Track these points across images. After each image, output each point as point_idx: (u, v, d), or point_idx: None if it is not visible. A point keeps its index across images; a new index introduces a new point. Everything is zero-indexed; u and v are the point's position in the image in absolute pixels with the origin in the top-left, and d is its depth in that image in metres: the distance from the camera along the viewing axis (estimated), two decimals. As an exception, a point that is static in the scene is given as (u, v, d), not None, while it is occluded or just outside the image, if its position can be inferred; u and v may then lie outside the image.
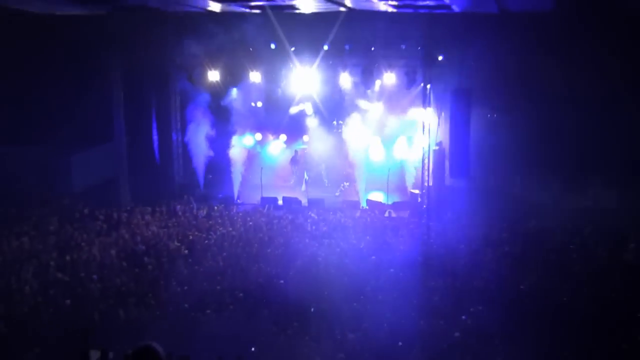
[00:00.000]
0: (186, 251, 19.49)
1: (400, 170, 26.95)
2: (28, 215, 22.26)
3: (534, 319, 14.63)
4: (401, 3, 18.95)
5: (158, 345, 5.51)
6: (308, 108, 27.27)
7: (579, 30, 21.70)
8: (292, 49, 24.95)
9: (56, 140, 26.39)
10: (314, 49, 24.97)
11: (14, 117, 25.81)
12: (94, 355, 12.64)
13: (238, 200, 26.68)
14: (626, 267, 17.64)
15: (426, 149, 24.60)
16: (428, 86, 24.28)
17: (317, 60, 24.99)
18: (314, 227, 21.90)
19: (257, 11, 21.43)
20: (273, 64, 25.35)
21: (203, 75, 26.02)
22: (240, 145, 27.24)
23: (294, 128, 27.87)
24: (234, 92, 26.80)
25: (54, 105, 25.33)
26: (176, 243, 20.11)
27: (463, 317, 14.69)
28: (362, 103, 26.66)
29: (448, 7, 19.44)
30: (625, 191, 22.17)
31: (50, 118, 25.71)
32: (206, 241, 20.44)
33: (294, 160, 27.99)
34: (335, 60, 25.12)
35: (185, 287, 16.79)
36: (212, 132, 27.32)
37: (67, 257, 18.58)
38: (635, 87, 22.11)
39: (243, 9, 20.95)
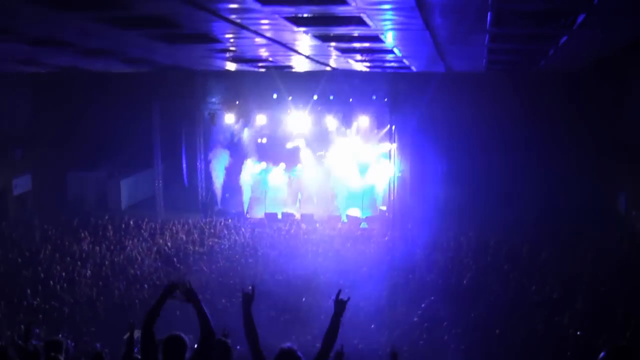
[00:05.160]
0: (206, 254, 19.60)
1: (372, 191, 26.99)
2: (87, 224, 22.39)
3: (472, 305, 14.80)
4: (372, 64, 19.12)
5: (185, 335, 5.67)
6: (301, 143, 27.36)
7: (503, 85, 22.15)
8: (290, 97, 25.15)
9: (110, 167, 26.68)
10: (306, 98, 25.20)
11: (80, 149, 26.18)
12: (137, 334, 12.76)
13: (247, 215, 26.66)
14: (544, 265, 17.83)
15: (392, 175, 24.84)
16: (393, 127, 24.54)
17: (309, 107, 25.22)
18: (305, 236, 21.98)
19: (263, 70, 21.59)
20: (275, 109, 25.46)
21: (221, 116, 26.18)
22: (249, 171, 27.27)
23: (291, 158, 27.91)
24: (245, 130, 26.92)
25: (109, 140, 25.63)
26: (198, 248, 20.21)
27: (422, 305, 14.79)
28: (342, 140, 26.74)
29: (408, 67, 19.65)
30: (543, 206, 22.38)
31: (106, 150, 26.01)
32: (222, 246, 20.53)
33: (290, 185, 28.02)
34: (322, 106, 25.22)
35: (205, 281, 16.94)
36: (228, 161, 27.40)
37: (116, 258, 18.74)
38: (542, 131, 22.70)
39: (253, 68, 21.10)
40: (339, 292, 5.65)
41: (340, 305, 5.57)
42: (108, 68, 21.03)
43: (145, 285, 16.40)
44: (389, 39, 12.55)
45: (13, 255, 18.79)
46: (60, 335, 12.00)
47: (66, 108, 25.98)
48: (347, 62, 18.26)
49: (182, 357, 5.55)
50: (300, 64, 19.66)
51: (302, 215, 25.50)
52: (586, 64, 19.55)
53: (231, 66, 20.44)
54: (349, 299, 5.60)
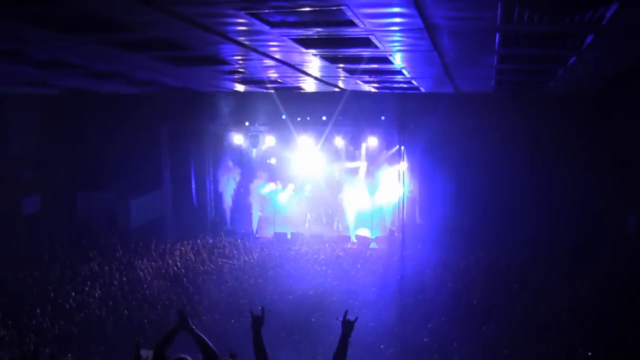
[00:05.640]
0: (215, 274, 19.59)
1: (381, 212, 26.98)
2: (97, 244, 22.47)
3: (482, 325, 14.75)
4: (381, 85, 19.16)
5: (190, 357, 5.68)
6: (311, 163, 27.45)
7: (512, 106, 22.18)
8: (298, 119, 25.26)
9: (120, 188, 26.82)
10: (315, 119, 25.33)
11: (89, 170, 26.34)
12: (144, 354, 12.74)
13: (256, 235, 26.70)
14: (553, 286, 17.76)
15: (401, 195, 24.83)
16: (402, 147, 24.57)
17: (318, 128, 25.32)
18: (315, 256, 21.96)
19: (272, 91, 21.66)
20: (284, 130, 25.52)
21: (230, 138, 26.29)
22: (258, 192, 27.32)
23: (300, 179, 27.98)
24: (254, 151, 26.97)
25: (118, 161, 25.77)
26: (207, 267, 20.20)
27: (429, 325, 14.76)
28: (351, 160, 26.80)
29: (417, 88, 19.68)
30: (552, 228, 22.31)
31: (115, 171, 26.13)
32: (231, 266, 20.53)
33: (298, 205, 28.04)
34: (331, 127, 25.34)
35: (215, 301, 16.94)
36: (237, 182, 27.48)
37: (125, 278, 18.75)
38: (550, 153, 22.68)
39: (261, 90, 21.20)
40: (346, 312, 5.64)
41: (348, 325, 5.56)
42: (117, 90, 21.20)
43: (156, 306, 16.40)
44: (398, 60, 12.61)
45: (22, 275, 18.84)
46: (69, 355, 12.05)
47: (75, 129, 26.19)
48: (356, 82, 18.33)
49: None
50: (308, 85, 19.73)
51: (311, 236, 25.47)
52: (595, 85, 19.54)
53: (240, 87, 20.55)
54: (356, 319, 5.60)
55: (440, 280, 18.48)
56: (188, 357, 5.71)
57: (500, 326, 14.58)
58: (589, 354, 12.67)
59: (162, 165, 25.98)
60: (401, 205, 24.86)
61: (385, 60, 12.45)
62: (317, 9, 7.61)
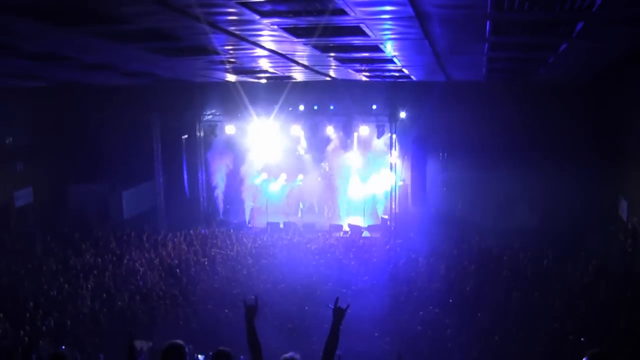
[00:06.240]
0: (208, 264, 19.57)
1: (373, 200, 27.01)
2: (89, 236, 22.43)
3: (475, 313, 14.81)
4: (372, 74, 19.16)
5: (184, 343, 5.59)
6: (301, 150, 27.52)
7: (504, 94, 22.24)
8: (290, 108, 25.25)
9: (112, 180, 26.78)
10: (307, 108, 25.32)
11: (81, 162, 26.33)
12: (138, 345, 12.76)
13: (249, 225, 26.69)
14: (545, 272, 17.85)
15: (393, 183, 24.89)
16: (394, 136, 24.60)
17: (309, 117, 25.32)
18: (307, 246, 21.98)
19: (264, 81, 21.64)
20: (275, 119, 25.45)
21: (222, 128, 26.23)
22: (250, 182, 27.28)
23: (293, 169, 27.99)
24: (245, 141, 26.87)
25: (110, 152, 25.74)
26: (200, 258, 20.18)
27: (422, 313, 14.78)
28: (343, 149, 26.79)
29: (409, 76, 19.69)
30: (543, 214, 22.41)
31: (107, 162, 26.12)
32: (224, 256, 20.51)
33: (288, 196, 28.03)
34: (323, 116, 25.34)
35: (208, 292, 16.94)
36: (229, 172, 27.44)
37: (118, 270, 18.73)
38: (542, 140, 22.75)
39: (252, 79, 21.17)
40: (337, 299, 5.60)
41: (339, 313, 5.52)
42: (108, 81, 21.12)
43: (149, 297, 16.38)
44: (389, 48, 12.61)
45: (15, 268, 18.80)
46: (63, 347, 12.03)
47: (67, 121, 26.14)
48: (348, 72, 18.31)
49: None
50: (300, 75, 19.71)
51: (304, 225, 25.51)
52: (586, 73, 19.60)
53: (231, 77, 20.50)
54: (348, 306, 5.55)
55: (433, 269, 18.52)
56: (182, 343, 5.63)
57: (494, 313, 14.64)
58: (582, 339, 12.73)
59: (154, 157, 25.93)
60: (393, 193, 24.95)
61: (376, 48, 12.44)
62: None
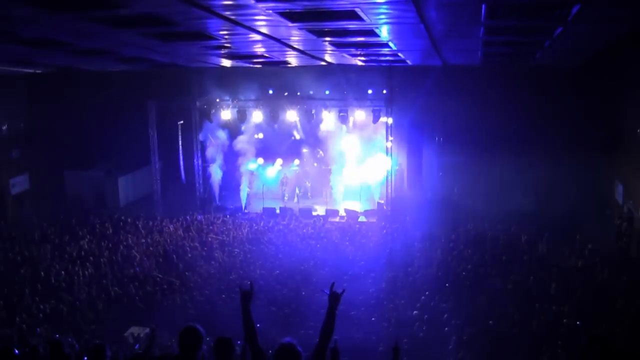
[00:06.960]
0: (204, 250, 19.58)
1: (369, 185, 26.96)
2: (86, 222, 22.42)
3: (471, 295, 14.85)
4: (368, 59, 19.10)
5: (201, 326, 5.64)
6: (297, 135, 27.48)
7: (500, 78, 22.22)
8: (285, 93, 25.17)
9: (108, 166, 26.75)
10: (302, 93, 25.25)
11: (77, 148, 26.29)
12: (135, 331, 12.80)
13: (245, 210, 26.66)
14: (541, 256, 17.91)
15: (389, 168, 24.88)
16: (390, 121, 24.55)
17: (305, 102, 25.25)
18: (304, 230, 21.99)
19: (259, 66, 21.56)
20: (271, 105, 25.39)
21: (218, 114, 26.14)
22: (246, 167, 27.23)
23: (288, 154, 27.94)
24: (242, 127, 26.76)
25: (106, 138, 25.74)
26: (196, 244, 20.19)
27: (419, 297, 14.81)
28: (339, 136, 26.70)
29: (404, 61, 19.63)
30: (539, 199, 22.47)
31: (103, 148, 26.11)
32: (220, 242, 20.51)
33: (282, 182, 27.96)
34: (318, 101, 25.27)
35: (204, 277, 16.96)
36: (225, 158, 27.36)
37: (114, 257, 18.72)
38: (538, 124, 22.74)
39: (248, 65, 21.09)
40: (333, 284, 5.58)
41: (334, 297, 5.52)
42: (104, 67, 21.04)
43: (146, 283, 16.39)
44: (384, 33, 12.55)
45: (12, 255, 18.78)
46: (57, 336, 12.03)
47: (63, 107, 26.07)
48: (343, 56, 18.25)
49: (199, 347, 5.58)
50: (295, 60, 19.63)
51: (300, 210, 25.50)
52: (582, 58, 19.55)
53: (227, 62, 20.42)
54: (343, 291, 5.54)
55: (429, 253, 18.56)
56: (198, 326, 5.69)
57: (490, 297, 14.68)
58: (577, 322, 12.78)
59: (150, 143, 25.85)
60: (390, 178, 24.94)
61: (372, 33, 12.38)
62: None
